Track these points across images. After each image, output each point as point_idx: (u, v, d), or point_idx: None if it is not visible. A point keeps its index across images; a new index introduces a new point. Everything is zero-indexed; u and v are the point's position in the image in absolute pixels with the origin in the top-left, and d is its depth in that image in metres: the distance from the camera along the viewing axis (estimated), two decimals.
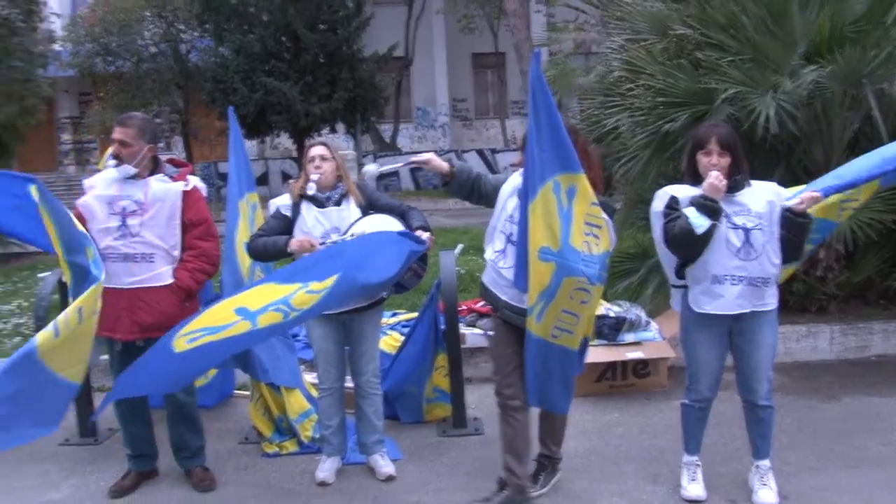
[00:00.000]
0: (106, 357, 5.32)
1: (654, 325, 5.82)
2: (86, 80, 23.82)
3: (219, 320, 3.53)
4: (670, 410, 5.01)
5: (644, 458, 4.51)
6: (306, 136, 20.68)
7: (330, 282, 3.59)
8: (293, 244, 4.06)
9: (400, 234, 3.93)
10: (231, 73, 19.64)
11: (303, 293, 3.57)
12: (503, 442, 3.90)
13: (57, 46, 16.17)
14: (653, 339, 5.67)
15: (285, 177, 23.69)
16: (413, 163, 3.98)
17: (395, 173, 23.72)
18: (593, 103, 7.11)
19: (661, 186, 3.94)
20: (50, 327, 3.38)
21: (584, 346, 3.82)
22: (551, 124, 3.42)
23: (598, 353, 5.35)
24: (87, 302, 3.55)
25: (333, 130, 21.26)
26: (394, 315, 6.11)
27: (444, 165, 3.90)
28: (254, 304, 3.57)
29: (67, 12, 24.10)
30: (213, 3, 20.17)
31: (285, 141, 22.83)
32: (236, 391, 5.72)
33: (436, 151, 20.80)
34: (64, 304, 5.21)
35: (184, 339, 3.47)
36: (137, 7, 22.40)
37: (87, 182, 4.25)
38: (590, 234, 3.48)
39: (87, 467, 4.79)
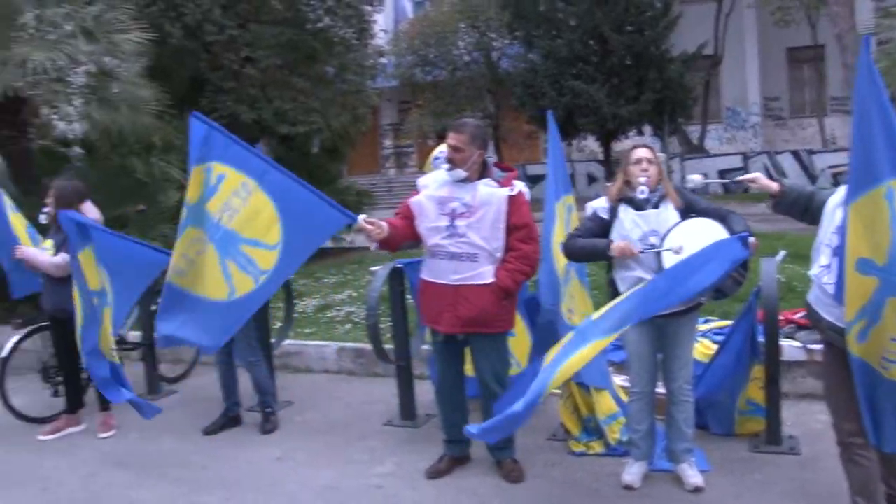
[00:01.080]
0: (427, 346, 5.73)
1: None
2: (405, 89, 25.63)
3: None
4: None
5: None
6: (613, 139, 20.63)
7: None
8: (615, 249, 4.06)
9: (727, 239, 3.78)
10: (540, 77, 20.10)
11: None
12: (851, 482, 3.55)
13: (383, 59, 17.54)
14: None
15: (590, 179, 23.79)
16: (740, 181, 3.84)
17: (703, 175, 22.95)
18: None
19: None
20: None
21: None
22: (883, 119, 3.00)
23: None
24: None
25: (640, 133, 20.98)
26: (706, 322, 5.91)
27: (773, 185, 3.72)
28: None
29: (390, 27, 26.05)
30: (523, 11, 20.79)
31: (591, 143, 22.93)
32: None
33: (745, 154, 19.77)
34: (392, 295, 5.67)
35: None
36: (453, 19, 23.74)
37: (420, 181, 4.58)
38: None
39: (407, 448, 5.19)
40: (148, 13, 10.35)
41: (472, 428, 3.86)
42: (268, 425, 5.67)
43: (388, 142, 29.12)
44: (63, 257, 5.50)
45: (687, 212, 4.10)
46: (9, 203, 6.18)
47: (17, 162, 9.18)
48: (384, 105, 27.05)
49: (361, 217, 4.34)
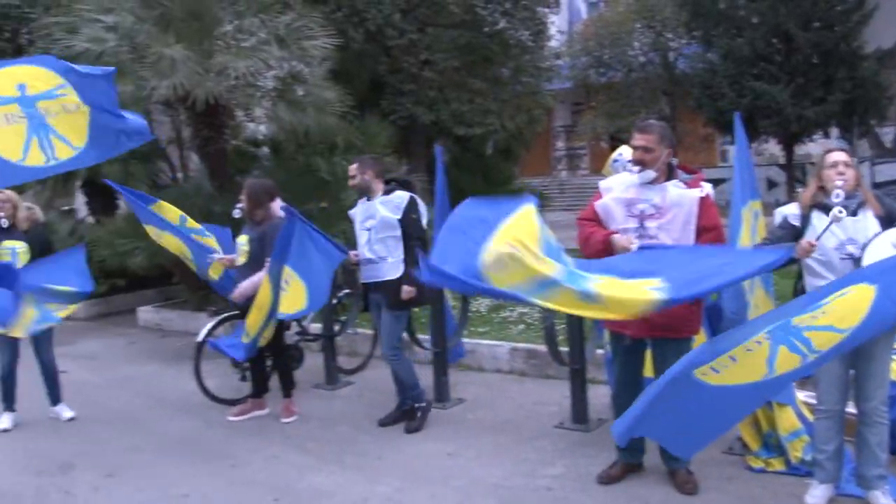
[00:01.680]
0: (601, 351, 5.67)
1: None
2: (579, 90, 25.45)
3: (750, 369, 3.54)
4: None
5: None
6: (796, 142, 19.62)
7: (858, 318, 3.33)
8: (800, 250, 3.85)
9: None
10: (719, 78, 19.41)
11: (828, 333, 3.38)
12: None
13: (558, 61, 17.50)
14: None
15: (770, 184, 22.70)
16: None
17: (893, 181, 21.42)
18: None
19: None
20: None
21: None
22: None
23: None
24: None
25: (826, 135, 19.82)
26: None
27: None
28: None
29: (565, 28, 25.91)
30: (701, 9, 20.12)
31: (772, 147, 21.90)
32: None
33: None
34: None
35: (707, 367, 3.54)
36: (628, 19, 23.35)
37: (602, 184, 4.54)
38: None
39: (578, 451, 5.16)
40: (332, 19, 10.81)
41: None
42: (413, 423, 5.72)
43: (560, 143, 29.02)
44: None
45: (888, 220, 3.86)
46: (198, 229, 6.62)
47: (214, 161, 9.86)
48: (557, 106, 26.89)
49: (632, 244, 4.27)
